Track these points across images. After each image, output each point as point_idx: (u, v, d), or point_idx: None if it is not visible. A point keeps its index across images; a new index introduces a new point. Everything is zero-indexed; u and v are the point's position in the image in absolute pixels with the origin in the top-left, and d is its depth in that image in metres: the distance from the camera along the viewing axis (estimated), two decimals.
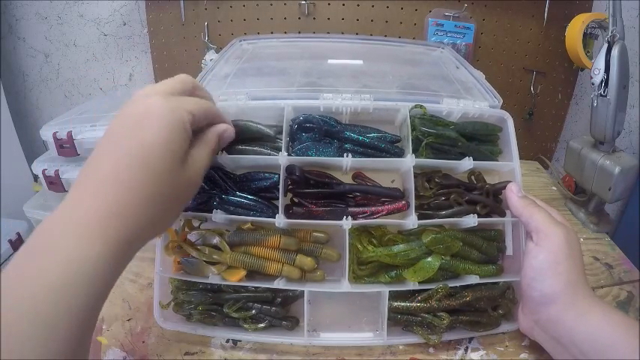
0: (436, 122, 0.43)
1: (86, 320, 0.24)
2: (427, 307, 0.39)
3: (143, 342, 0.41)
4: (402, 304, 0.39)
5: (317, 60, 0.59)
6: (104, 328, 0.43)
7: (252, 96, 0.43)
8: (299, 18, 0.78)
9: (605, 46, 0.53)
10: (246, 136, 0.41)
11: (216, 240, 0.40)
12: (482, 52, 0.80)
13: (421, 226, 0.40)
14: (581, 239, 0.59)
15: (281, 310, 0.41)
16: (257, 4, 0.78)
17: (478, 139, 0.45)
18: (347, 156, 0.40)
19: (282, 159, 0.39)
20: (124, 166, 0.27)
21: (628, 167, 0.56)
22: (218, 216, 0.40)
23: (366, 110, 0.43)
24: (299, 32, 0.79)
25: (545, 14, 0.76)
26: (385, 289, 0.39)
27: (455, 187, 0.43)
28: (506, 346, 0.41)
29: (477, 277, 0.40)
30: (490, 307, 0.41)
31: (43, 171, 0.65)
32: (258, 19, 0.79)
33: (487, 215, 0.42)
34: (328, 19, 0.78)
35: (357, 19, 0.78)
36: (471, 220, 0.40)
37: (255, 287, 0.40)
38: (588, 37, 0.70)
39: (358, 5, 0.77)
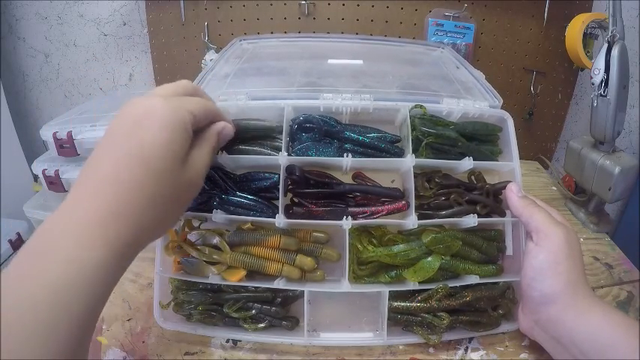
0: (436, 122, 0.43)
1: (86, 321, 0.24)
2: (427, 307, 0.39)
3: (143, 342, 0.41)
4: (402, 304, 0.39)
5: (317, 60, 0.59)
6: (104, 328, 0.43)
7: (252, 96, 0.43)
8: (299, 18, 0.78)
9: (605, 46, 0.53)
10: (247, 135, 0.41)
11: (216, 240, 0.40)
12: (482, 52, 0.80)
13: (421, 226, 0.40)
14: (581, 239, 0.59)
15: (281, 310, 0.41)
16: (257, 4, 0.78)
17: (478, 139, 0.45)
18: (347, 156, 0.40)
19: (282, 159, 0.39)
20: (124, 166, 0.27)
21: (628, 167, 0.56)
22: (218, 216, 0.40)
23: (366, 110, 0.43)
24: (299, 32, 0.79)
25: (545, 14, 0.76)
26: (385, 289, 0.39)
27: (455, 187, 0.43)
28: (506, 346, 0.41)
29: (477, 277, 0.40)
30: (490, 307, 0.41)
31: (43, 171, 0.65)
32: (258, 19, 0.79)
33: (487, 215, 0.42)
34: (328, 19, 0.78)
35: (357, 19, 0.78)
36: (471, 220, 0.40)
37: (255, 287, 0.40)
38: (588, 37, 0.70)
39: (358, 5, 0.77)
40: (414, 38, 0.78)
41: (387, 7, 0.77)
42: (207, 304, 0.40)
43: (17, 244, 0.79)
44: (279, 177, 0.40)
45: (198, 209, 0.41)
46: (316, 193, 0.41)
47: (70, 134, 0.62)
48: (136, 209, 0.27)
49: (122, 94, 0.94)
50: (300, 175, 0.40)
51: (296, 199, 0.42)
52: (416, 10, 0.77)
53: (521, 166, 0.43)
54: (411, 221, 0.39)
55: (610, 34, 0.53)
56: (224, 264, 0.40)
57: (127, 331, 0.42)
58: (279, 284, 0.39)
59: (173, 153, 0.29)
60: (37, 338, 0.21)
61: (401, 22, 0.78)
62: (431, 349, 0.41)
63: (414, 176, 0.40)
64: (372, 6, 0.77)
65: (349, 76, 0.52)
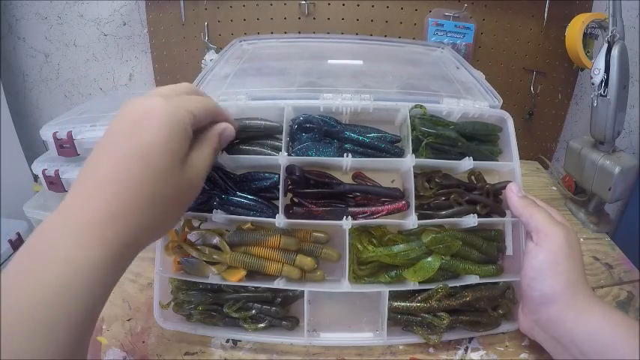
0: (436, 122, 0.43)
1: (85, 321, 0.24)
2: (427, 307, 0.39)
3: (143, 342, 0.41)
4: (402, 304, 0.39)
5: (317, 60, 0.59)
6: (104, 328, 0.43)
7: (252, 96, 0.43)
8: (299, 18, 0.78)
9: (605, 46, 0.53)
10: (247, 135, 0.41)
11: (216, 240, 0.40)
12: (482, 52, 0.80)
13: (421, 226, 0.40)
14: (581, 239, 0.59)
15: (281, 310, 0.41)
16: (257, 4, 0.78)
17: (478, 139, 0.45)
18: (347, 156, 0.40)
19: (282, 159, 0.39)
20: (123, 166, 0.27)
21: (628, 167, 0.56)
22: (218, 216, 0.40)
23: (366, 110, 0.43)
24: (299, 32, 0.79)
25: (545, 14, 0.76)
26: (385, 289, 0.39)
27: (455, 187, 0.43)
28: (506, 346, 0.41)
29: (477, 277, 0.40)
30: (490, 307, 0.41)
31: (43, 171, 0.65)
32: (258, 19, 0.79)
33: (487, 215, 0.42)
34: (328, 19, 0.78)
35: (357, 19, 0.78)
36: (471, 220, 0.40)
37: (255, 287, 0.40)
38: (588, 37, 0.70)
39: (358, 5, 0.77)
40: (414, 38, 0.78)
41: (387, 7, 0.77)
42: (207, 304, 0.40)
43: (17, 244, 0.79)
44: (279, 177, 0.40)
45: (198, 209, 0.41)
46: (316, 193, 0.41)
47: (70, 134, 0.62)
48: (135, 209, 0.27)
49: (122, 94, 0.94)
50: (300, 175, 0.40)
51: (296, 199, 0.42)
52: (416, 10, 0.77)
53: (521, 166, 0.43)
54: (411, 221, 0.39)
55: (610, 34, 0.53)
56: (224, 264, 0.40)
57: (127, 331, 0.42)
58: (279, 284, 0.39)
59: (172, 152, 0.29)
60: (35, 338, 0.21)
61: (401, 22, 0.78)
62: (431, 349, 0.41)
63: (414, 176, 0.40)
64: (372, 6, 0.77)
65: (349, 76, 0.52)
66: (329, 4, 0.77)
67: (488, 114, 0.45)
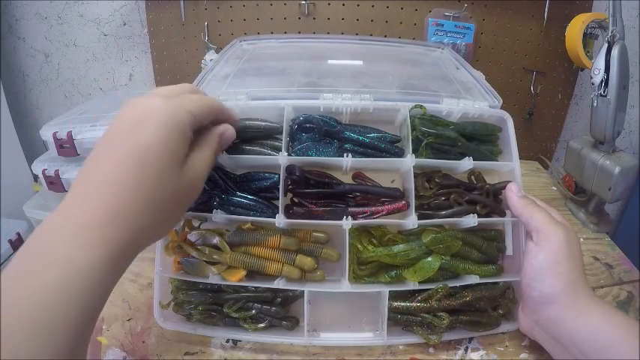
0: (436, 122, 0.43)
1: (84, 321, 0.24)
2: (427, 307, 0.39)
3: (143, 342, 0.41)
4: (402, 304, 0.39)
5: (317, 60, 0.59)
6: (104, 328, 0.43)
7: (252, 96, 0.43)
8: (299, 18, 0.78)
9: (605, 46, 0.53)
10: (247, 135, 0.41)
11: (216, 240, 0.40)
12: (482, 52, 0.80)
13: (421, 226, 0.40)
14: (581, 239, 0.59)
15: (281, 310, 0.41)
16: (257, 4, 0.78)
17: (478, 139, 0.45)
18: (347, 156, 0.40)
19: (282, 159, 0.39)
20: (123, 166, 0.27)
21: (628, 167, 0.56)
22: (218, 216, 0.40)
23: (366, 110, 0.43)
24: (299, 32, 0.79)
25: (545, 14, 0.76)
26: (385, 289, 0.39)
27: (455, 187, 0.43)
28: (506, 346, 0.41)
29: (477, 277, 0.40)
30: (490, 307, 0.41)
31: (43, 171, 0.65)
32: (258, 19, 0.79)
33: (487, 215, 0.42)
34: (328, 19, 0.78)
35: (357, 19, 0.78)
36: (471, 220, 0.40)
37: (255, 287, 0.40)
38: (588, 37, 0.70)
39: (358, 5, 0.77)
40: (414, 38, 0.78)
41: (387, 7, 0.77)
42: (207, 304, 0.40)
43: (17, 244, 0.79)
44: (279, 177, 0.40)
45: (198, 209, 0.41)
46: (316, 193, 0.41)
47: (70, 134, 0.62)
48: (135, 210, 0.27)
49: (122, 94, 0.94)
50: (300, 175, 0.40)
51: (296, 199, 0.42)
52: (416, 10, 0.77)
53: (521, 166, 0.43)
54: (411, 221, 0.39)
55: (610, 34, 0.53)
56: (224, 264, 0.40)
57: (127, 331, 0.42)
58: (279, 284, 0.39)
59: (170, 152, 0.29)
60: (35, 338, 0.21)
61: (401, 22, 0.78)
62: (431, 349, 0.41)
63: (414, 176, 0.40)
64: (372, 6, 0.77)
65: (349, 77, 0.52)
66: (329, 4, 0.77)
67: (488, 114, 0.45)
